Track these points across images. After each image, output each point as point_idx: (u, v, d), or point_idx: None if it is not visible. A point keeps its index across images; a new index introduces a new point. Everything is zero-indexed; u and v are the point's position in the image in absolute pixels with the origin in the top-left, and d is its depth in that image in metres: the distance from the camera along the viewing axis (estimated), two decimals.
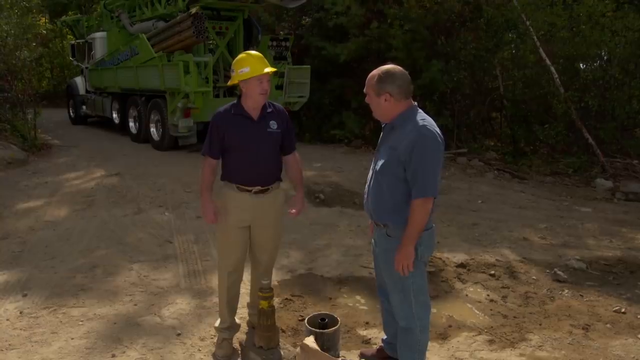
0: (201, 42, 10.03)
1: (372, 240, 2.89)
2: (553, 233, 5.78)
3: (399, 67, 2.58)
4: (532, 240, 5.54)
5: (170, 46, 10.01)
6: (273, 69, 3.06)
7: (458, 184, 8.10)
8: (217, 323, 3.28)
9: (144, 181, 7.68)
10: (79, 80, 14.67)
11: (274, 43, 10.81)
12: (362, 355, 3.14)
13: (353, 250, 5.17)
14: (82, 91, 14.40)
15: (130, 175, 8.03)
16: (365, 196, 2.78)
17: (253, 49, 10.74)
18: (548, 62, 9.54)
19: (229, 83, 3.12)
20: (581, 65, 10.66)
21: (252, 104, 3.03)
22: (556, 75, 9.49)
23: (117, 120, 12.71)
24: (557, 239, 5.60)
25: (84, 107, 14.38)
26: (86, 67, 13.79)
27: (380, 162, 2.62)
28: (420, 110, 2.61)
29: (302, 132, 11.80)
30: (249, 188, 3.05)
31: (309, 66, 11.10)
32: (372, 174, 2.72)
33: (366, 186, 2.79)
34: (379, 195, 2.64)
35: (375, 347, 3.25)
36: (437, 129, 2.55)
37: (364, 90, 2.67)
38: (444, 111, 10.87)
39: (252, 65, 2.94)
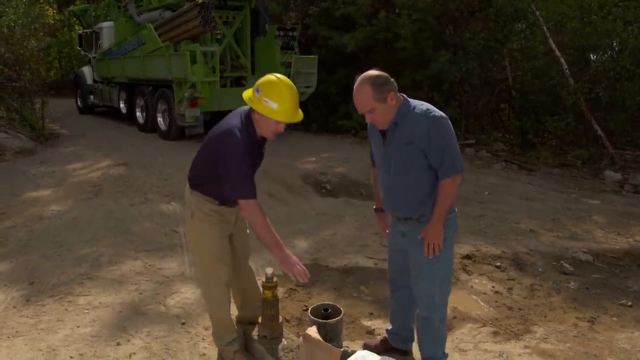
0: (208, 31, 10.00)
1: (390, 237, 2.88)
2: (560, 225, 5.74)
3: (371, 70, 2.54)
4: (538, 232, 5.50)
5: (177, 36, 10.00)
6: (300, 117, 2.67)
7: (465, 175, 7.98)
8: (220, 341, 3.03)
9: (150, 171, 7.70)
10: (86, 70, 14.70)
11: (281, 33, 10.75)
12: (365, 345, 3.14)
13: (359, 241, 5.16)
14: (89, 81, 14.42)
15: (137, 165, 8.05)
16: (385, 198, 2.74)
17: (260, 39, 10.84)
18: (558, 52, 9.44)
19: (252, 105, 2.61)
20: (592, 56, 10.54)
21: (260, 134, 2.71)
22: (566, 66, 9.39)
23: (124, 110, 12.73)
24: (564, 231, 5.56)
25: (91, 96, 14.41)
26: (93, 57, 13.80)
27: (397, 162, 2.57)
28: (409, 99, 2.60)
29: (309, 123, 11.77)
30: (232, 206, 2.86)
31: (315, 56, 11.04)
32: (388, 176, 2.65)
33: (381, 188, 2.75)
34: (406, 192, 2.61)
35: (379, 337, 3.25)
36: (433, 106, 2.58)
37: (362, 111, 2.53)
38: (451, 102, 10.79)
39: (281, 107, 2.54)
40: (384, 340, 3.14)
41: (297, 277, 2.60)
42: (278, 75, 2.62)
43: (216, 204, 2.79)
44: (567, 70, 9.38)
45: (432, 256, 2.57)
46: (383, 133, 2.62)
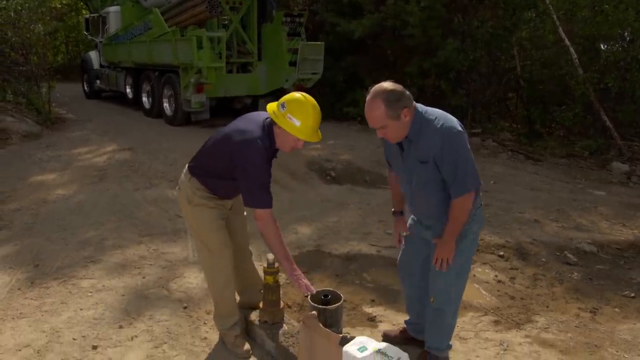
0: (215, 17, 9.97)
1: (411, 225, 2.86)
2: (565, 216, 5.71)
3: (384, 82, 2.41)
4: (543, 222, 5.47)
5: (183, 21, 9.97)
6: (319, 138, 2.69)
7: None
8: (222, 325, 3.07)
9: (155, 156, 7.72)
10: (93, 55, 14.71)
11: (288, 19, 10.68)
12: (385, 336, 3.14)
13: (362, 228, 5.16)
14: (96, 65, 14.44)
15: (142, 150, 8.07)
16: (410, 204, 2.73)
17: (267, 25, 10.78)
18: (567, 42, 9.32)
19: (275, 120, 2.61)
20: (602, 45, 10.41)
21: (279, 147, 2.74)
22: (575, 56, 9.28)
23: (130, 95, 12.75)
24: (569, 221, 5.53)
25: (98, 81, 14.43)
26: (100, 42, 13.80)
27: (417, 178, 2.51)
28: (420, 107, 2.44)
29: None
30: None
31: (322, 43, 10.99)
32: (410, 187, 2.60)
33: (405, 194, 2.74)
34: (429, 203, 2.59)
35: (397, 328, 3.23)
36: (449, 116, 2.44)
37: (373, 126, 2.42)
38: (459, 90, 10.72)
39: (304, 126, 2.57)
40: (403, 331, 3.14)
41: (304, 290, 2.72)
42: (304, 94, 2.65)
43: (210, 193, 2.84)
44: (577, 60, 9.28)
45: (442, 270, 2.55)
46: (400, 144, 2.53)
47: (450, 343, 2.87)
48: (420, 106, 2.45)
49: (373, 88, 2.38)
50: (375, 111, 2.35)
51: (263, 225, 2.66)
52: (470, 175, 2.41)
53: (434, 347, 2.82)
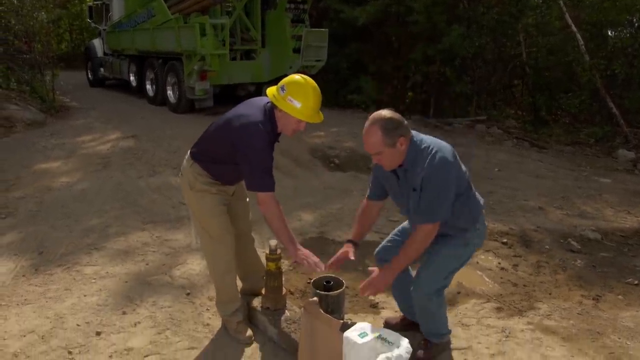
0: (218, 4, 9.89)
1: None
2: (570, 203, 5.69)
3: (384, 110, 2.46)
4: (547, 209, 5.45)
5: (186, 8, 9.89)
6: (321, 119, 2.70)
7: (475, 151, 7.99)
8: (224, 311, 3.07)
9: (159, 143, 7.71)
10: (96, 43, 14.65)
11: (292, 5, 10.58)
12: (386, 323, 3.15)
13: None
14: (100, 53, 14.39)
15: (146, 138, 8.07)
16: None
17: (271, 11, 10.70)
18: (574, 28, 9.23)
19: (275, 103, 2.61)
20: (609, 32, 10.30)
21: (281, 130, 2.74)
22: (582, 42, 9.19)
23: (134, 83, 12.72)
24: (574, 209, 5.51)
25: (101, 69, 14.39)
26: (104, 29, 13.74)
27: (412, 205, 2.54)
28: (416, 137, 2.48)
29: None
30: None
31: (326, 29, 10.89)
32: (408, 214, 2.66)
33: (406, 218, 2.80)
34: None
35: (399, 315, 3.23)
36: (442, 145, 2.47)
37: (369, 152, 2.47)
38: (464, 77, 10.65)
39: (305, 107, 2.58)
40: (403, 317, 3.15)
41: (313, 268, 2.66)
42: (304, 76, 2.65)
43: (212, 179, 2.84)
44: (583, 47, 9.19)
45: (363, 294, 2.54)
46: (395, 172, 2.56)
47: (449, 329, 2.88)
48: (416, 135, 2.49)
49: (372, 115, 2.44)
50: (372, 137, 2.40)
51: (266, 209, 2.66)
52: (443, 208, 2.45)
53: (432, 334, 2.83)
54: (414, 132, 2.49)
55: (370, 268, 2.63)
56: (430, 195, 2.42)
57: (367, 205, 2.83)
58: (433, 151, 2.42)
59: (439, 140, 2.51)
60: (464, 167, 2.57)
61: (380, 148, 2.40)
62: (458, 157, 2.51)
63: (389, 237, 2.96)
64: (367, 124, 2.44)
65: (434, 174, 2.39)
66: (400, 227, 2.97)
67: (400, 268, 2.57)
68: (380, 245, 2.96)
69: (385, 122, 2.38)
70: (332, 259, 2.73)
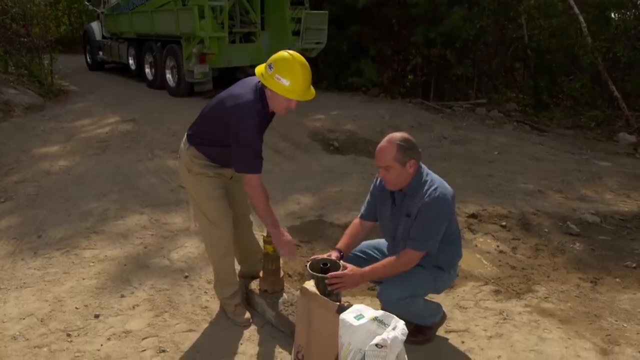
0: None
1: None
2: (569, 186, 5.68)
3: (401, 132, 2.60)
4: (547, 193, 5.44)
5: None
6: (312, 96, 2.66)
7: (475, 134, 7.96)
8: (222, 294, 3.06)
9: (158, 127, 7.68)
10: (95, 26, 14.50)
11: None
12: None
13: (364, 198, 5.09)
14: (98, 37, 14.25)
15: (145, 121, 8.03)
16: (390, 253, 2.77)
17: None
18: (577, 10, 9.14)
19: (263, 82, 2.56)
20: (613, 14, 10.18)
21: (272, 109, 2.70)
22: (584, 25, 9.09)
23: (133, 67, 12.61)
24: (573, 192, 5.50)
25: (100, 53, 14.27)
26: (102, 12, 13.60)
27: (404, 232, 2.61)
28: (424, 169, 2.61)
29: (320, 80, 11.58)
30: None
31: (326, 12, 10.78)
32: (392, 242, 2.75)
33: (387, 247, 2.86)
34: None
35: None
36: (445, 184, 2.57)
37: (379, 165, 2.55)
38: (465, 60, 10.56)
39: (294, 85, 2.51)
40: None
41: (290, 256, 2.81)
42: (292, 52, 2.58)
43: (209, 161, 2.82)
44: (586, 29, 9.09)
45: (329, 284, 2.51)
46: (392, 196, 2.66)
47: (442, 310, 2.88)
48: (424, 168, 2.62)
49: (391, 134, 2.56)
50: (386, 150, 2.51)
51: (251, 190, 2.66)
52: (433, 240, 2.53)
53: (422, 321, 2.81)
54: (422, 165, 2.61)
55: (343, 263, 2.62)
56: (423, 224, 2.51)
57: (359, 224, 2.90)
58: (435, 185, 2.53)
59: (444, 181, 2.61)
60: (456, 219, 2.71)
61: (392, 162, 2.49)
62: (455, 204, 2.63)
63: (363, 249, 2.94)
64: (384, 140, 2.55)
65: (431, 205, 2.49)
66: (375, 243, 2.99)
67: (372, 279, 2.70)
68: (352, 252, 2.90)
69: (402, 141, 2.50)
70: (314, 256, 2.75)
